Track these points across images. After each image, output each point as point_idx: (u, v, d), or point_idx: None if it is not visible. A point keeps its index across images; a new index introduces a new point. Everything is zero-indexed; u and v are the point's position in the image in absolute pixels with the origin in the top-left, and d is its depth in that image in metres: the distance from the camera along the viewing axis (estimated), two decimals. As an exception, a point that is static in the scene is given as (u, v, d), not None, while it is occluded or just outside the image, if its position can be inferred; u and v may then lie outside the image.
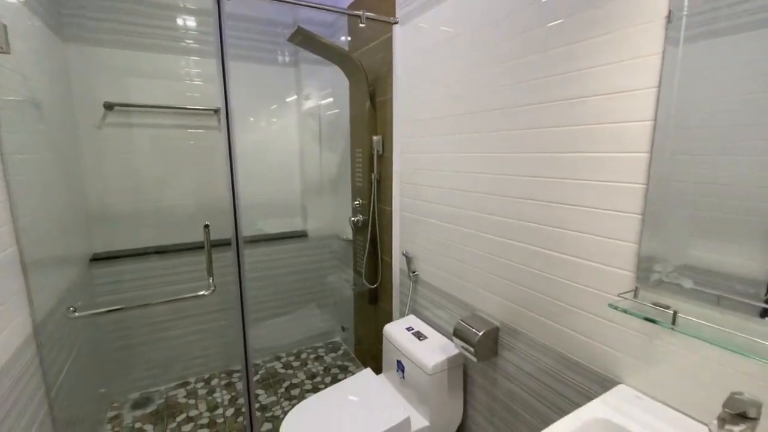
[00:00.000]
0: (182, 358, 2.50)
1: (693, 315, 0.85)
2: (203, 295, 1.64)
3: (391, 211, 2.03)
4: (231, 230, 1.58)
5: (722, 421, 0.70)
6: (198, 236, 2.32)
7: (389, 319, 2.15)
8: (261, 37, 2.51)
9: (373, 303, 2.36)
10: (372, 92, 2.11)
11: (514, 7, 1.23)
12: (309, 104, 2.77)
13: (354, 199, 2.36)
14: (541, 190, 1.20)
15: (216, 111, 2.36)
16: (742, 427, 0.71)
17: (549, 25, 1.12)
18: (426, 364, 1.52)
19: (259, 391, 2.45)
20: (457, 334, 1.45)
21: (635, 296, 0.95)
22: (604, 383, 1.06)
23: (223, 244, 1.67)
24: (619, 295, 0.97)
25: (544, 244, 1.20)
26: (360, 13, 1.79)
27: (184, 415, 2.22)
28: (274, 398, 2.39)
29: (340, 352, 2.88)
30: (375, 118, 2.12)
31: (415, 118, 1.78)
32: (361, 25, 1.80)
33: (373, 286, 2.29)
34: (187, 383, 2.51)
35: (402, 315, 1.98)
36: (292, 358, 2.81)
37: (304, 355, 2.84)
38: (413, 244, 1.89)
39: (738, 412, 0.73)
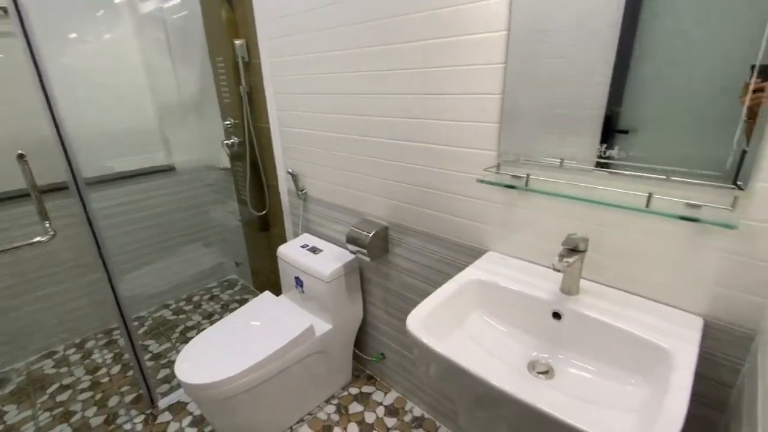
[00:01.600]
0: (40, 326, 2.11)
1: (541, 177, 0.98)
2: (41, 242, 1.33)
3: (269, 128, 1.86)
4: (65, 169, 1.28)
5: (561, 256, 0.85)
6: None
7: (284, 242, 2.09)
8: None
9: (265, 230, 2.26)
10: (225, -14, 1.78)
11: None
12: (148, 7, 2.24)
13: (224, 119, 2.09)
14: (408, 82, 1.19)
15: (4, 11, 1.74)
16: (575, 257, 0.88)
17: None
18: (323, 273, 1.54)
19: (149, 342, 2.26)
20: (350, 239, 1.48)
21: (498, 170, 1.06)
22: (477, 255, 1.20)
23: (63, 188, 1.35)
24: (485, 170, 1.07)
25: (417, 138, 1.24)
26: None
27: (56, 385, 1.94)
28: (168, 344, 2.23)
29: (238, 287, 2.77)
30: (234, 18, 1.82)
31: (280, 13, 1.57)
32: None
33: (261, 213, 2.16)
34: (53, 353, 2.17)
35: (297, 235, 1.94)
36: (183, 303, 2.61)
37: (196, 298, 2.66)
38: (298, 161, 1.79)
39: (572, 247, 0.89)
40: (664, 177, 0.81)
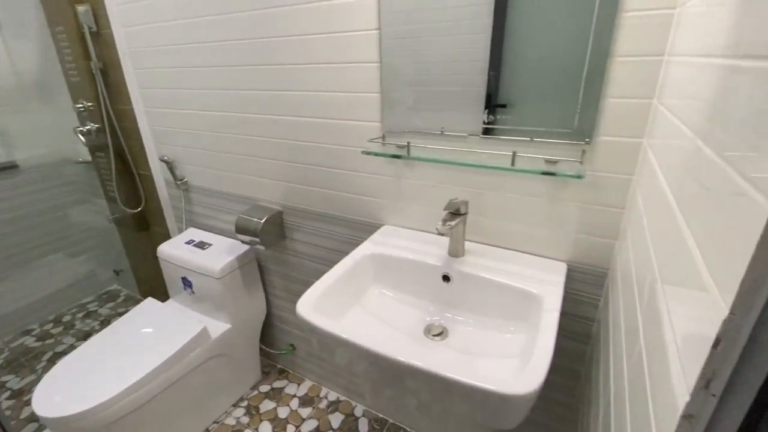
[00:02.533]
0: None
1: (424, 145, 0.99)
2: None
3: (133, 109, 1.60)
4: None
5: (444, 221, 0.87)
6: None
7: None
8: None
9: (144, 229, 1.98)
10: (52, -65, 1.45)
11: None
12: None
13: (75, 102, 1.75)
14: (289, 53, 1.10)
15: None
16: (457, 220, 0.91)
17: None
18: (212, 269, 1.39)
19: (7, 378, 1.85)
20: (240, 229, 1.35)
21: (383, 141, 1.04)
22: (374, 229, 1.19)
23: None
24: (369, 141, 1.04)
25: (303, 112, 1.16)
26: None
27: None
28: (33, 376, 1.86)
29: (121, 298, 2.41)
30: (70, -23, 1.50)
31: (128, -27, 1.33)
32: None
33: (137, 210, 1.88)
34: None
35: (181, 231, 1.73)
36: (50, 326, 2.20)
37: (68, 318, 2.26)
38: (173, 146, 1.58)
39: (454, 210, 0.92)
40: (528, 139, 0.86)
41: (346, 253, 1.29)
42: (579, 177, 0.81)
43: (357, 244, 1.25)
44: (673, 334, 0.39)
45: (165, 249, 1.54)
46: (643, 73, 0.73)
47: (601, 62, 0.75)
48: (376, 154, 1.01)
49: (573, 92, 0.79)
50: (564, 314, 0.85)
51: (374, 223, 1.20)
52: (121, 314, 2.24)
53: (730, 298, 0.27)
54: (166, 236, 1.85)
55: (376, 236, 1.11)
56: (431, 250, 1.01)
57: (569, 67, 0.78)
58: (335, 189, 1.22)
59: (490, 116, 0.89)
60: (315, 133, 1.17)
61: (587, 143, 0.81)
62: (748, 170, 0.29)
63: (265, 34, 1.13)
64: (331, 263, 1.36)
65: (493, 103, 0.88)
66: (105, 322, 2.19)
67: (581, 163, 0.81)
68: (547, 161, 0.85)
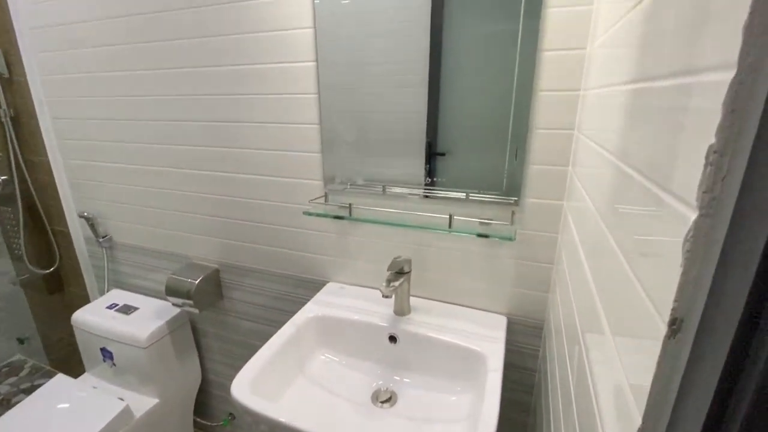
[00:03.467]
0: None
1: (365, 206, 1.00)
2: None
3: (48, 161, 1.46)
4: None
5: (388, 281, 0.87)
6: None
7: (87, 303, 1.65)
8: None
9: (58, 291, 1.75)
10: (-40, -22, 1.34)
11: None
12: None
13: (-23, 153, 1.55)
14: (228, 110, 1.09)
15: None
16: (401, 279, 0.91)
17: None
18: (138, 337, 1.25)
19: None
20: (170, 291, 1.25)
21: (326, 201, 1.04)
22: (318, 287, 1.15)
23: None
24: (310, 202, 1.03)
25: (243, 169, 1.13)
26: None
27: None
28: None
29: (25, 371, 2.07)
30: (-21, 21, 1.38)
31: (49, 21, 1.26)
32: None
33: (49, 271, 1.67)
34: None
35: (103, 293, 1.55)
36: (-77, 415, 1.81)
37: (-50, 401, 1.88)
38: (96, 200, 1.45)
39: (398, 270, 0.92)
40: (464, 197, 0.91)
41: (287, 311, 1.24)
42: (510, 239, 0.86)
43: (300, 302, 1.20)
44: (596, 387, 0.41)
45: (82, 316, 1.37)
46: (559, 146, 0.81)
47: (523, 132, 0.83)
48: (317, 215, 1.00)
49: (501, 155, 0.85)
50: (508, 366, 0.87)
51: (318, 280, 1.16)
52: (26, 390, 1.93)
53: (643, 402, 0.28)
54: (84, 298, 1.65)
55: (319, 296, 1.07)
56: (377, 308, 1.00)
57: (497, 133, 0.85)
58: (277, 246, 1.18)
59: (430, 164, 0.93)
60: (255, 189, 1.14)
61: (516, 204, 0.87)
62: (638, 267, 0.32)
63: (203, 92, 1.11)
64: (272, 323, 1.29)
65: (433, 151, 0.92)
66: (4, 403, 1.86)
67: (511, 223, 0.87)
68: (481, 222, 0.89)
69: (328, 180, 1.03)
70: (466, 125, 0.88)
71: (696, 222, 0.23)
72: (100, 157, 1.36)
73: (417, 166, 0.94)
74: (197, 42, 1.06)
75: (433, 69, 0.86)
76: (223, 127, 1.12)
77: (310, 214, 0.99)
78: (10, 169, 1.53)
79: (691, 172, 0.24)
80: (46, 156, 1.46)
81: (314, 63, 0.95)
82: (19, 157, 1.51)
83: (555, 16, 0.74)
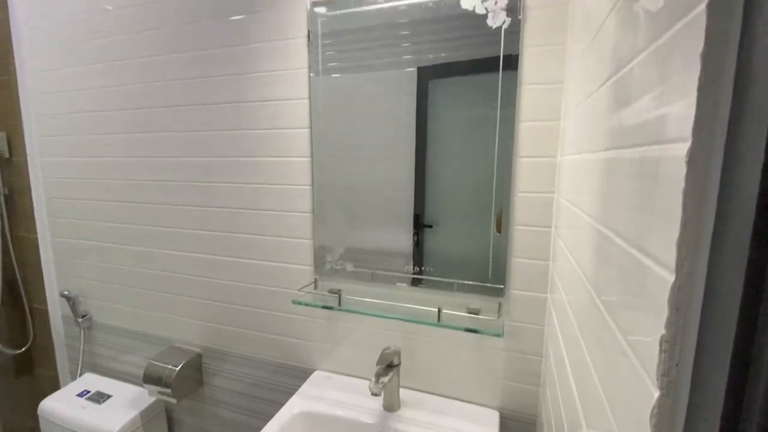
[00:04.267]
0: None
1: (355, 293, 1.01)
2: None
3: (36, 238, 1.46)
4: None
5: (377, 376, 0.85)
6: None
7: (57, 388, 1.55)
8: None
9: (26, 374, 1.64)
10: (-22, 69, 1.43)
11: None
12: None
13: (-36, 229, 1.54)
14: (221, 196, 1.13)
15: None
16: (390, 374, 0.89)
17: (207, 22, 1.06)
18: (108, 432, 1.17)
19: None
20: (149, 378, 1.19)
21: (315, 287, 1.04)
22: (305, 375, 1.11)
23: None
24: (300, 290, 1.04)
25: (231, 252, 1.15)
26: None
27: None
28: None
29: (-27, 464, 1.86)
30: (-11, 107, 1.46)
31: (57, 110, 1.33)
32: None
33: (20, 351, 1.58)
34: None
35: (75, 377, 1.47)
36: None
37: None
38: (79, 278, 1.42)
39: (387, 363, 0.91)
40: (452, 289, 0.93)
41: (272, 401, 1.19)
42: (498, 335, 0.86)
43: (285, 392, 1.16)
44: None
45: (49, 405, 1.27)
46: (541, 242, 0.86)
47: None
48: (307, 305, 1.00)
49: (485, 227, 0.89)
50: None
51: (305, 368, 1.13)
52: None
53: None
54: (54, 381, 1.55)
55: (305, 387, 1.03)
56: (366, 403, 0.96)
57: (481, 204, 0.89)
58: (264, 331, 1.16)
59: (418, 236, 0.96)
60: (244, 273, 1.15)
61: (502, 295, 0.89)
62: (630, 333, 0.33)
63: (196, 178, 1.15)
64: (254, 414, 1.22)
65: (421, 223, 0.96)
66: (-61, 505, 1.65)
67: (498, 315, 0.88)
68: (470, 311, 0.91)
69: (318, 265, 1.05)
70: (451, 198, 0.93)
71: (658, 400, 0.25)
72: (89, 236, 1.37)
73: (405, 238, 0.97)
74: (193, 134, 1.13)
75: (419, 145, 0.93)
76: (214, 212, 1.15)
77: (299, 303, 0.99)
78: (-4, 245, 1.51)
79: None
80: (35, 233, 1.46)
81: (309, 159, 1.01)
82: (8, 233, 1.50)
83: (527, 127, 0.83)
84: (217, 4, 1.04)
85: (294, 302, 1.00)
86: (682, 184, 0.24)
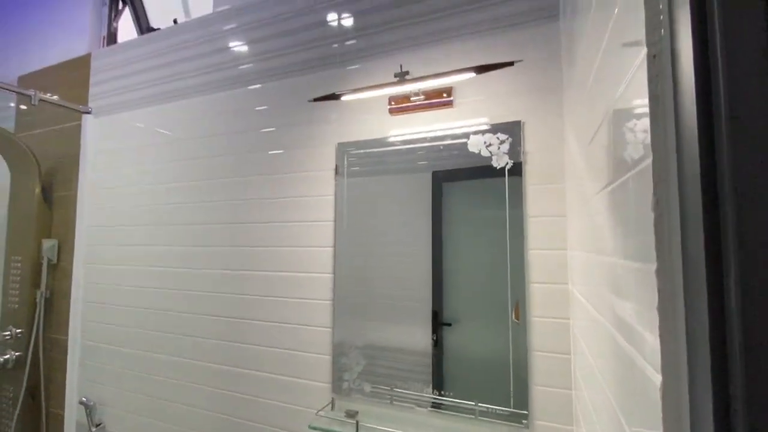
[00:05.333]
0: None
1: (373, 417, 0.98)
2: None
3: (67, 340, 1.51)
4: None
5: None
6: None
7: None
8: None
9: (27, 486, 1.57)
10: (47, 185, 1.65)
11: (228, 133, 1.29)
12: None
13: (3, 329, 1.62)
14: (244, 307, 1.18)
15: None
16: None
17: (255, 153, 1.23)
18: None
19: None
20: (154, 503, 1.13)
21: (332, 408, 1.03)
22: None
23: None
24: (317, 413, 1.02)
25: (251, 365, 1.16)
26: (30, 93, 1.42)
27: None
28: None
29: None
30: (50, 217, 1.63)
31: (106, 222, 1.48)
32: (33, 104, 1.43)
33: (27, 459, 1.54)
34: None
35: (76, 493, 1.40)
36: None
37: None
38: (100, 384, 1.44)
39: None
40: (473, 414, 0.90)
41: None
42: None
43: None
44: None
45: None
46: (560, 367, 0.85)
47: (523, 356, 0.87)
48: (323, 431, 0.98)
49: (503, 329, 0.89)
50: None
51: (318, 498, 1.05)
52: None
53: None
54: (54, 498, 1.47)
55: None
56: None
57: (498, 303, 0.90)
58: (277, 451, 1.12)
59: (437, 333, 0.96)
60: (262, 388, 1.15)
61: (525, 426, 0.86)
62: None
63: (222, 290, 1.22)
64: None
65: (440, 321, 0.97)
66: None
67: (524, 452, 0.84)
68: (492, 446, 0.87)
69: (335, 383, 1.04)
70: (469, 295, 0.95)
71: None
72: (115, 341, 1.41)
73: (424, 337, 0.97)
74: (221, 250, 1.23)
75: (435, 240, 0.98)
76: (235, 323, 1.19)
77: (315, 428, 0.97)
78: (27, 347, 1.57)
79: None
80: (67, 335, 1.52)
81: (331, 275, 1.08)
82: (41, 335, 1.57)
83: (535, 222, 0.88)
84: (261, 140, 1.22)
85: (311, 427, 0.98)
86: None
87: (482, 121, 0.94)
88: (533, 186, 0.89)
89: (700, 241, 0.25)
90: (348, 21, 1.11)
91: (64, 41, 1.72)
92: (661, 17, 0.30)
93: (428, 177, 1.01)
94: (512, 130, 0.91)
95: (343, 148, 1.10)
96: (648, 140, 0.31)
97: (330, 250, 1.09)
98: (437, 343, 0.97)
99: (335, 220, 1.09)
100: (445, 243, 0.99)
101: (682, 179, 0.28)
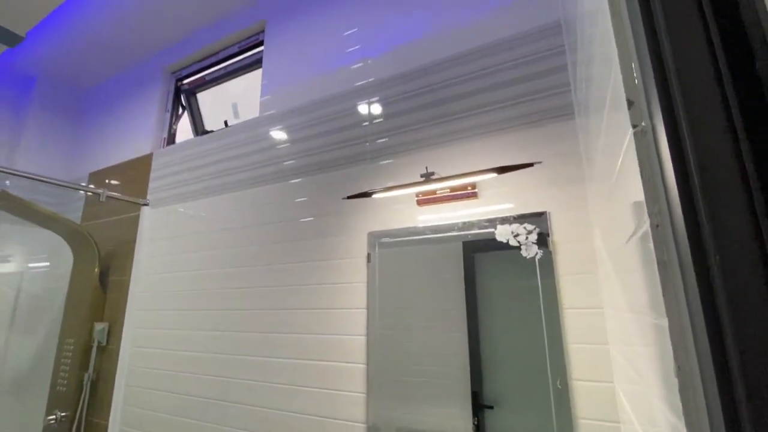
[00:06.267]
0: None
1: None
2: None
3: (107, 425, 1.53)
4: None
5: None
6: None
7: None
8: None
9: None
10: (104, 270, 1.79)
11: (268, 223, 1.39)
12: (7, 267, 2.06)
13: (49, 412, 1.68)
14: (276, 396, 1.18)
15: None
16: None
17: (294, 242, 1.31)
18: None
19: None
20: None
21: None
22: None
23: None
24: None
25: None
26: (100, 191, 1.62)
27: None
28: None
29: None
30: (103, 301, 1.75)
31: (155, 306, 1.57)
32: (102, 200, 1.62)
33: None
34: None
35: None
36: None
37: None
38: (133, 474, 1.43)
39: None
40: None
41: None
42: None
43: None
44: None
45: None
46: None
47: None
48: None
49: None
50: None
51: None
52: None
53: None
54: None
55: None
56: None
57: (540, 385, 0.85)
58: None
59: (478, 416, 0.90)
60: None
61: None
62: None
63: (257, 378, 1.24)
64: None
65: (480, 403, 0.91)
66: None
67: None
68: None
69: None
70: (510, 374, 0.90)
71: None
72: (153, 429, 1.42)
73: (464, 421, 0.92)
74: (255, 336, 1.26)
75: (470, 315, 0.96)
76: (267, 413, 1.18)
77: None
78: (70, 430, 1.60)
79: None
80: (107, 420, 1.55)
81: (364, 365, 1.08)
82: (83, 419, 1.61)
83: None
84: (296, 230, 1.30)
85: None
86: None
87: (508, 207, 0.98)
88: (566, 277, 0.89)
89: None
90: (378, 123, 1.24)
91: (131, 142, 1.98)
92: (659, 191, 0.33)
93: (459, 247, 1.03)
94: (539, 220, 0.94)
95: (374, 238, 1.16)
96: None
97: (363, 339, 1.10)
98: (479, 428, 0.92)
99: (368, 308, 1.11)
100: (480, 317, 0.98)
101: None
